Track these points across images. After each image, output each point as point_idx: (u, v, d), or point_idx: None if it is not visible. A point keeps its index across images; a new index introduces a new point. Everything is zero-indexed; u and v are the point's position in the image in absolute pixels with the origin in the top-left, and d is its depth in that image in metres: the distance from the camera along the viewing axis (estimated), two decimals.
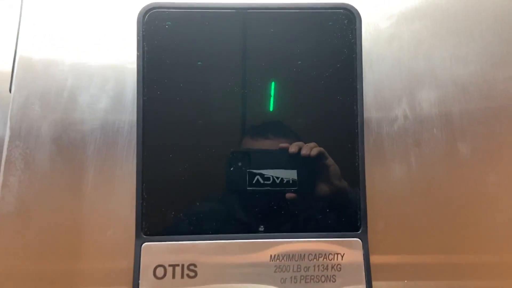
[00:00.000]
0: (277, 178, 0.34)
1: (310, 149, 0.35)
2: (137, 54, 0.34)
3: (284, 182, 0.34)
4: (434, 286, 0.37)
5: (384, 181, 0.38)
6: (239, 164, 0.34)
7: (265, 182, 0.34)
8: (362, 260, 0.34)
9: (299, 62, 0.35)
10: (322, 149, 0.35)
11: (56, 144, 0.37)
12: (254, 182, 0.34)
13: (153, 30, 0.35)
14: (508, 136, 0.40)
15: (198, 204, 0.34)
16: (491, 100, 0.40)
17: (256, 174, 0.34)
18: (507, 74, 0.41)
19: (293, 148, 0.34)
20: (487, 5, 0.42)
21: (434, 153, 0.39)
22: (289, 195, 0.34)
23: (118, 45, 0.38)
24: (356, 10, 0.36)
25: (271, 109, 0.35)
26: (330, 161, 0.35)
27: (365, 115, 0.38)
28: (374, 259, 0.35)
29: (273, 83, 0.35)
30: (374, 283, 0.33)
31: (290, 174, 0.34)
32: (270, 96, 0.35)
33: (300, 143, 0.35)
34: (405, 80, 0.40)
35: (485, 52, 0.41)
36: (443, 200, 0.38)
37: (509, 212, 0.38)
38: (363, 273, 0.33)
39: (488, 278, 0.37)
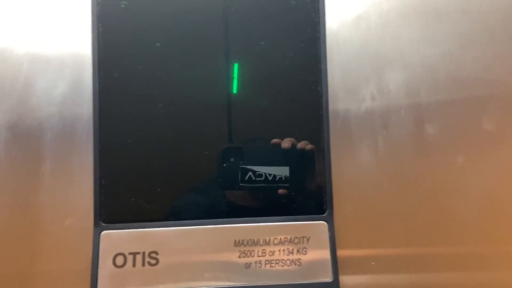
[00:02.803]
0: (269, 174, 0.33)
1: (305, 144, 0.34)
2: (92, 36, 0.33)
3: (271, 178, 0.33)
4: (401, 258, 0.36)
5: (352, 164, 0.38)
6: (223, 158, 0.33)
7: (257, 178, 0.33)
8: (328, 243, 0.33)
9: (262, 43, 0.34)
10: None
11: (11, 132, 0.35)
12: (246, 179, 0.33)
13: (108, 10, 0.33)
14: (476, 117, 0.39)
15: (159, 190, 0.33)
16: (458, 81, 0.40)
17: (245, 169, 0.33)
18: (475, 55, 0.40)
19: (286, 144, 0.34)
20: None
21: (401, 135, 0.39)
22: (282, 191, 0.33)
23: (74, 27, 0.37)
24: None
25: (234, 91, 0.34)
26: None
27: (333, 97, 0.37)
28: (340, 243, 0.34)
29: (236, 65, 0.34)
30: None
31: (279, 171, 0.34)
32: (233, 78, 0.34)
33: (292, 139, 0.34)
34: (372, 61, 0.40)
35: (452, 33, 0.41)
36: (411, 183, 0.38)
37: (477, 196, 0.38)
38: (329, 256, 0.33)
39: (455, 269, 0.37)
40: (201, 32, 0.34)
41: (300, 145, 0.34)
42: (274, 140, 0.34)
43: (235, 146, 0.33)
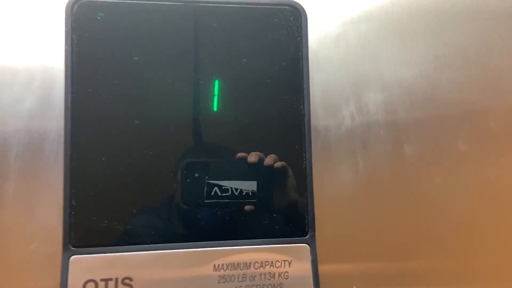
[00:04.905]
0: (236, 189, 0.32)
1: (273, 159, 0.33)
2: (65, 48, 0.31)
3: (238, 193, 0.32)
4: None
5: (332, 185, 0.37)
6: (186, 173, 0.32)
7: (223, 194, 0.32)
8: (310, 267, 0.32)
9: (244, 60, 0.34)
10: (284, 162, 0.33)
11: None
12: (212, 194, 0.32)
13: (83, 21, 0.31)
14: (451, 137, 0.40)
15: (133, 212, 0.31)
16: (434, 102, 0.40)
17: (211, 185, 0.32)
18: (449, 76, 0.41)
19: (252, 158, 0.33)
20: (430, 8, 0.42)
21: (381, 155, 0.39)
22: (248, 207, 0.32)
23: (45, 39, 0.35)
24: (302, 7, 0.35)
25: (215, 109, 0.33)
26: (290, 171, 0.33)
27: (313, 116, 0.37)
28: (322, 266, 0.33)
29: (216, 82, 0.33)
30: None
31: (246, 185, 0.33)
32: (214, 95, 0.33)
33: (258, 153, 0.33)
34: (352, 81, 0.40)
35: (428, 55, 0.41)
36: (390, 203, 0.38)
37: (453, 215, 0.39)
38: (311, 280, 0.32)
39: (435, 284, 0.37)
40: (181, 47, 0.33)
41: (267, 160, 0.33)
42: (240, 154, 0.33)
43: (200, 161, 0.32)
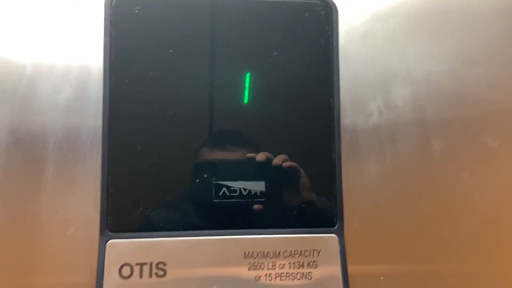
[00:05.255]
0: (245, 189, 0.33)
1: (281, 160, 0.33)
2: (104, 40, 0.32)
3: (252, 193, 0.33)
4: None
5: (359, 177, 0.38)
6: (205, 175, 0.33)
7: (231, 194, 0.33)
8: (339, 257, 0.33)
9: (275, 53, 0.34)
10: (294, 163, 0.34)
11: (13, 136, 0.34)
12: (220, 194, 0.33)
13: (121, 15, 0.33)
14: (478, 133, 0.40)
15: (167, 199, 0.32)
16: (462, 98, 0.40)
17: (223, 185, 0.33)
18: (477, 73, 0.41)
19: (260, 157, 0.33)
20: (458, 6, 0.42)
21: (408, 149, 0.39)
22: (257, 207, 0.33)
23: (84, 31, 0.36)
24: (333, 2, 0.35)
25: (245, 101, 0.34)
26: (301, 172, 0.34)
27: (341, 110, 0.37)
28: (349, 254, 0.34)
29: (248, 74, 0.34)
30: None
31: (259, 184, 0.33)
32: (245, 87, 0.34)
33: (267, 153, 0.34)
34: (379, 76, 0.40)
35: (456, 51, 0.41)
36: (417, 199, 0.38)
37: (482, 213, 0.38)
38: (340, 270, 0.32)
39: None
40: (214, 40, 0.34)
41: (276, 160, 0.33)
42: (250, 154, 0.34)
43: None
